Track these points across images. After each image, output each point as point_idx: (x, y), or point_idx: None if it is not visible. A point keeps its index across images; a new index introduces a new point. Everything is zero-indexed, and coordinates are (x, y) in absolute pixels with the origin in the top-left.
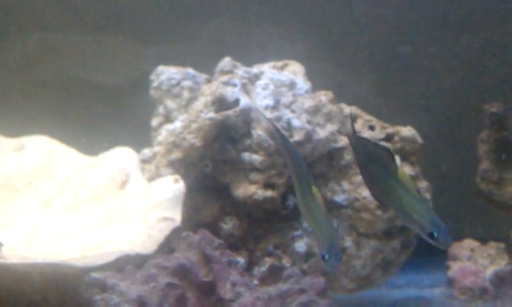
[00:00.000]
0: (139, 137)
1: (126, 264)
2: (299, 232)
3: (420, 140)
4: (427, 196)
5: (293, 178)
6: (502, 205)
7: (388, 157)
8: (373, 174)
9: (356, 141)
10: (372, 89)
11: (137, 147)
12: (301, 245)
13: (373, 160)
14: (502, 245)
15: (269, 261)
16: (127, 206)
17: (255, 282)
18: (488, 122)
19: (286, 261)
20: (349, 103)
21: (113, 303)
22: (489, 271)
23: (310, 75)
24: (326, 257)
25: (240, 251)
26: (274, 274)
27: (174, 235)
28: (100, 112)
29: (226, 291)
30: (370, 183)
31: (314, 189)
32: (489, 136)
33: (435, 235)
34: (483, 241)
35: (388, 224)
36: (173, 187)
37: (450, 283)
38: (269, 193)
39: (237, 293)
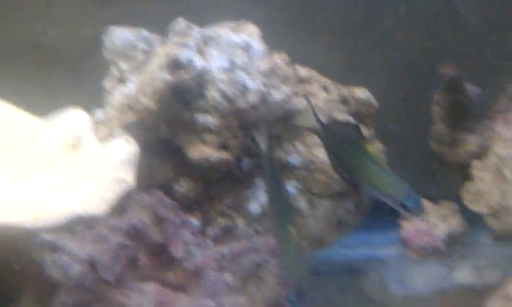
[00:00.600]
0: (92, 99)
1: (78, 225)
2: (253, 193)
3: (375, 102)
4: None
5: (272, 213)
6: (454, 166)
7: (356, 132)
8: (343, 152)
9: (324, 128)
10: (327, 52)
11: (90, 109)
12: (255, 206)
13: (342, 139)
14: (454, 205)
15: (222, 222)
16: (79, 168)
17: (209, 243)
18: (443, 84)
19: (240, 222)
20: (305, 66)
21: (63, 264)
22: (442, 231)
23: (265, 37)
24: (293, 301)
25: (195, 213)
26: (227, 234)
27: (127, 196)
28: (52, 73)
29: (178, 251)
30: (338, 163)
31: (292, 229)
32: (443, 98)
33: (408, 205)
34: (436, 201)
35: (342, 185)
36: (126, 148)
37: (404, 242)
38: (223, 155)
39: (190, 253)
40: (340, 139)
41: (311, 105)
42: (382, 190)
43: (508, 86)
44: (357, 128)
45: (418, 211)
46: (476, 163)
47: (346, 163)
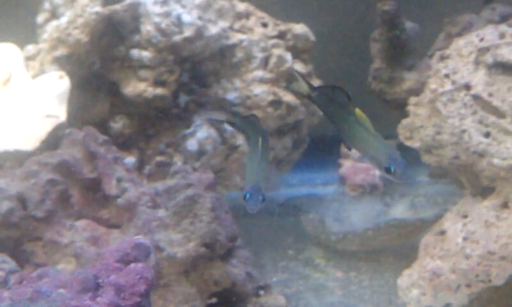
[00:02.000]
0: (25, 35)
1: (5, 161)
2: (191, 130)
3: (312, 37)
4: None
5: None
6: (392, 103)
7: (345, 97)
8: (333, 115)
9: (317, 94)
10: None
11: (23, 45)
12: (192, 144)
13: (333, 103)
14: (393, 143)
15: (159, 159)
16: (8, 104)
17: (145, 181)
18: (380, 21)
19: (178, 160)
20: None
21: None
22: None
23: None
24: (247, 196)
25: (131, 150)
26: (163, 171)
27: (58, 132)
28: None
29: (111, 187)
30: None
31: (260, 141)
32: (381, 35)
33: (392, 169)
34: None
35: (279, 122)
36: (57, 83)
37: (342, 180)
38: (159, 91)
39: (123, 189)
40: (331, 102)
41: (298, 73)
42: (367, 153)
43: (446, 23)
44: (345, 91)
45: (402, 176)
46: (412, 99)
47: (336, 125)
